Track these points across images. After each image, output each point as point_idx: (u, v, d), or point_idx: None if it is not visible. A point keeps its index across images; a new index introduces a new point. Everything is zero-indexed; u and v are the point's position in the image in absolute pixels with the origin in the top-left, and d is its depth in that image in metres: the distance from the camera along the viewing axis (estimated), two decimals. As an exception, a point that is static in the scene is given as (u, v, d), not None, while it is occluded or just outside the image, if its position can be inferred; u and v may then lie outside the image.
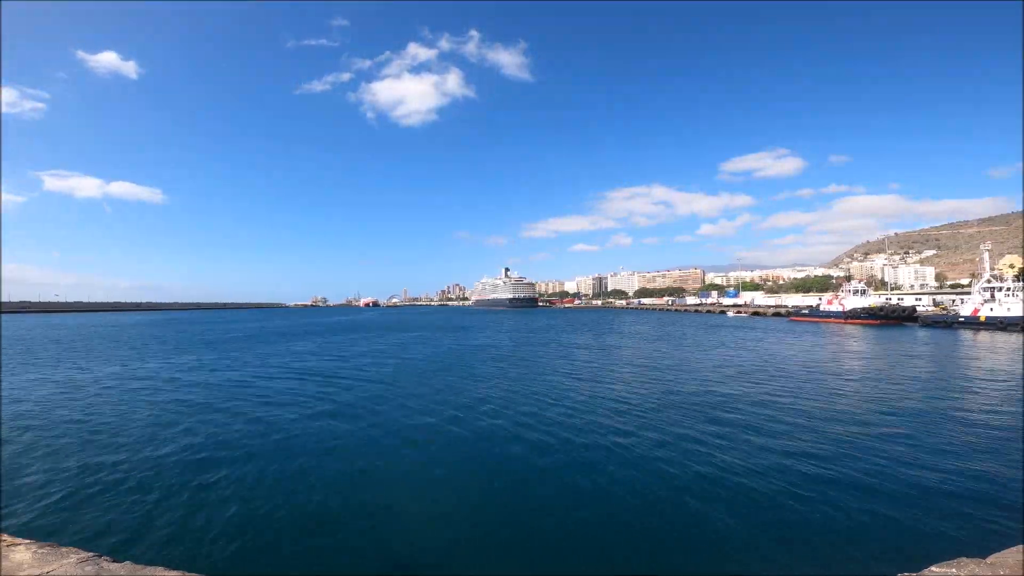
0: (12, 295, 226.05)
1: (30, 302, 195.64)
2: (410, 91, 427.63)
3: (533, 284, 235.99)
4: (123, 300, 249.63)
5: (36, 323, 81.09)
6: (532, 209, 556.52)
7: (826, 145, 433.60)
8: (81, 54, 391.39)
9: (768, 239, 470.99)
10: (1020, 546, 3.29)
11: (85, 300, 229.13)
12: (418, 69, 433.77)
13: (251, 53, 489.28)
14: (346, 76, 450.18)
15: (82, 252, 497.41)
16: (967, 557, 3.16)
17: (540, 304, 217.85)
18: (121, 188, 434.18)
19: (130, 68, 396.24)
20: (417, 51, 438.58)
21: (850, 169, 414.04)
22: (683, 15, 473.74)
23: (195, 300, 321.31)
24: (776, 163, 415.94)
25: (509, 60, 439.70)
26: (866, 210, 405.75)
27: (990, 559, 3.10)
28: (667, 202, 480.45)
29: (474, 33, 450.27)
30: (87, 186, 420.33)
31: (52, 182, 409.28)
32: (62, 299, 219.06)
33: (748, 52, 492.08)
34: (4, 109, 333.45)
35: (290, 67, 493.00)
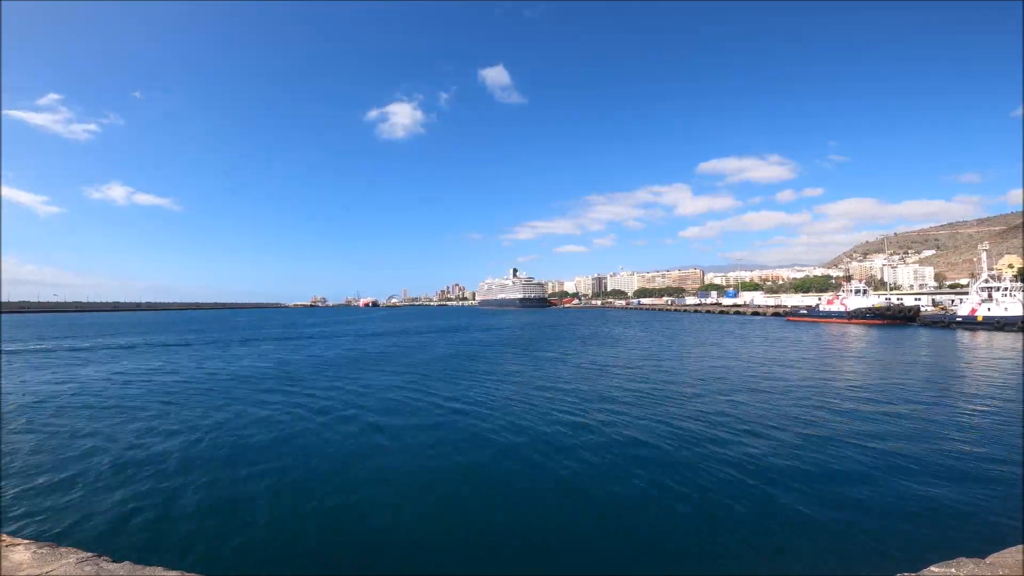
0: (26, 296, 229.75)
1: (28, 302, 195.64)
2: (403, 108, 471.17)
3: (543, 284, 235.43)
4: (122, 300, 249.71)
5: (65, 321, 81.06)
6: (518, 212, 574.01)
7: (813, 150, 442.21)
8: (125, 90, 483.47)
9: (757, 240, 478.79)
10: (1020, 546, 3.30)
11: (84, 300, 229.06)
12: (410, 88, 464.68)
13: (253, 68, 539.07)
14: (347, 95, 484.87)
15: (99, 255, 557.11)
16: (966, 557, 3.16)
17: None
18: (144, 199, 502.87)
19: (155, 100, 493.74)
20: (409, 71, 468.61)
21: (836, 172, 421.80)
22: (672, 15, 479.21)
23: (195, 300, 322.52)
24: (763, 166, 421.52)
25: (494, 76, 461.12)
26: (849, 213, 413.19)
27: (989, 559, 3.11)
28: (653, 204, 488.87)
29: (461, 53, 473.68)
30: (117, 195, 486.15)
31: (90, 192, 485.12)
32: (60, 299, 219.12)
33: (734, 55, 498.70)
34: (56, 129, 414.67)
35: (293, 85, 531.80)
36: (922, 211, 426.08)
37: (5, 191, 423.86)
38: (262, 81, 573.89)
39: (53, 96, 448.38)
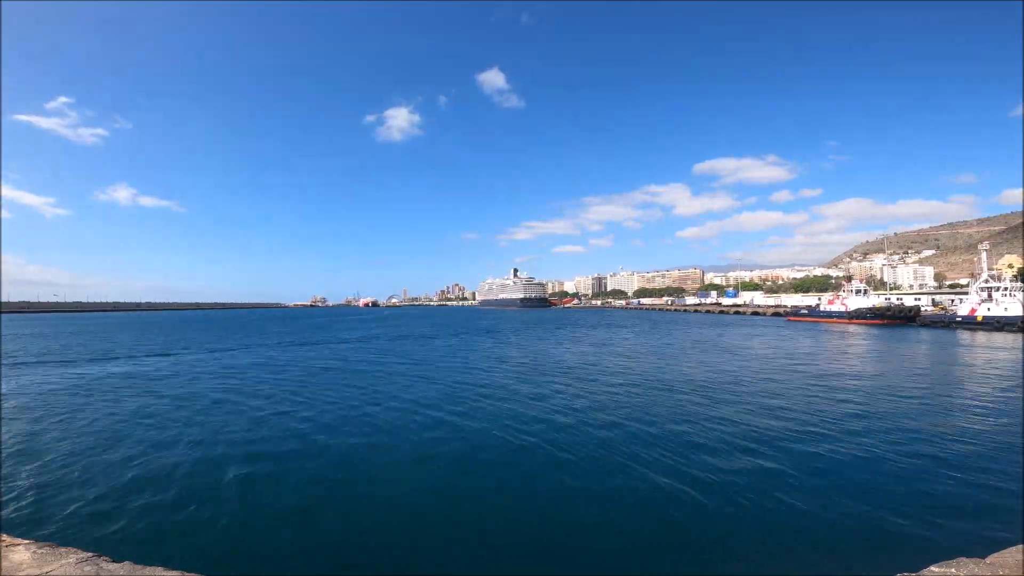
0: (26, 296, 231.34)
1: (28, 302, 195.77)
2: (400, 111, 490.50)
3: (543, 284, 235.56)
4: (122, 300, 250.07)
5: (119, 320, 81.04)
6: (516, 212, 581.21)
7: (812, 150, 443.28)
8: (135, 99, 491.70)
9: (756, 241, 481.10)
10: (1020, 546, 3.30)
11: (84, 300, 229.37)
12: (407, 91, 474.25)
13: (254, 71, 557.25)
14: (345, 98, 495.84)
15: (102, 256, 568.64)
16: (966, 557, 3.16)
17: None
18: (148, 201, 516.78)
19: (160, 104, 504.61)
20: (407, 75, 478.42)
21: (835, 173, 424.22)
22: (672, 15, 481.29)
23: (195, 301, 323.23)
24: (761, 166, 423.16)
25: (491, 79, 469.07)
26: (846, 213, 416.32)
27: (989, 559, 3.10)
28: (651, 205, 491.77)
29: (458, 56, 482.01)
30: (122, 197, 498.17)
31: (96, 195, 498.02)
32: (60, 299, 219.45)
33: (733, 55, 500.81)
34: (63, 133, 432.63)
35: (293, 88, 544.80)
36: (917, 211, 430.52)
37: (14, 193, 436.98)
38: (262, 84, 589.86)
39: (62, 99, 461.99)
